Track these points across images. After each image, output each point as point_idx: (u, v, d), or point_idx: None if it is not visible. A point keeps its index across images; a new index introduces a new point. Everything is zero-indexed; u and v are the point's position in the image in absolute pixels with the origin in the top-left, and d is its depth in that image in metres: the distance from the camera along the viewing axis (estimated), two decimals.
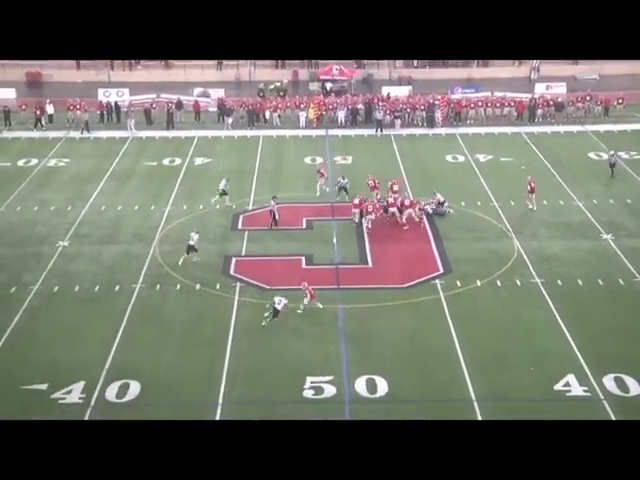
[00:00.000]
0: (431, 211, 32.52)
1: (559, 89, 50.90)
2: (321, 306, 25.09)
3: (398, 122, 44.71)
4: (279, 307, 24.36)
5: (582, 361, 22.51)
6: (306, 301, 25.09)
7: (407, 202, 32.10)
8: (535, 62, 55.74)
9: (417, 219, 31.76)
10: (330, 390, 21.28)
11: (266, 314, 24.47)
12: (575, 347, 23.23)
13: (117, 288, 26.87)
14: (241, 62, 56.58)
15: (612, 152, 38.17)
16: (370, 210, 31.63)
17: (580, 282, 27.18)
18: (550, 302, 25.83)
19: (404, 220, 31.66)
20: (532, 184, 33.60)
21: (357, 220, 31.73)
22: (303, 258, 29.00)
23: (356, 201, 31.88)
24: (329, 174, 37.04)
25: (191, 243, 28.45)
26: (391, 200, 32.03)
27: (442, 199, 32.83)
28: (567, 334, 23.93)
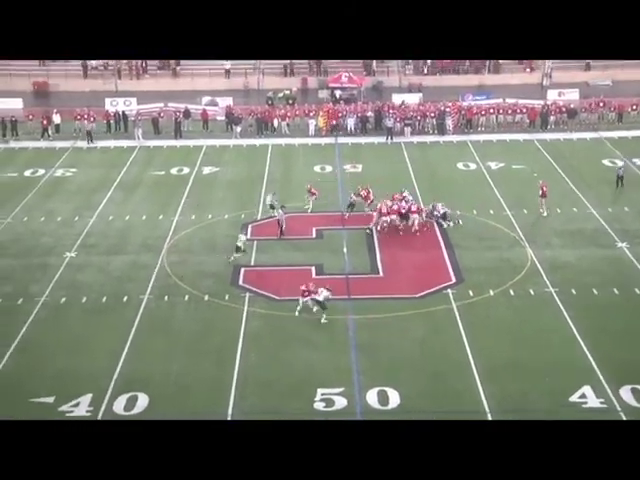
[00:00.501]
0: (440, 214, 32.44)
1: (572, 95, 50.83)
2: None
3: (408, 130, 44.69)
4: (320, 298, 24.94)
5: (598, 372, 22.36)
6: (308, 300, 25.36)
7: (414, 207, 32.12)
8: (547, 68, 55.71)
9: (423, 226, 31.80)
10: (341, 402, 21.19)
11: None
12: (591, 357, 23.09)
13: (125, 299, 26.89)
14: (249, 70, 56.79)
15: (621, 165, 37.88)
16: (385, 212, 31.65)
17: (595, 291, 27.04)
18: (564, 311, 25.70)
19: (416, 226, 31.67)
20: (544, 188, 33.57)
21: (378, 227, 31.79)
22: (313, 268, 28.96)
23: (383, 209, 31.87)
24: (340, 183, 37.12)
25: (238, 244, 29.15)
26: (394, 207, 31.93)
27: (442, 211, 32.61)
28: (582, 344, 23.79)
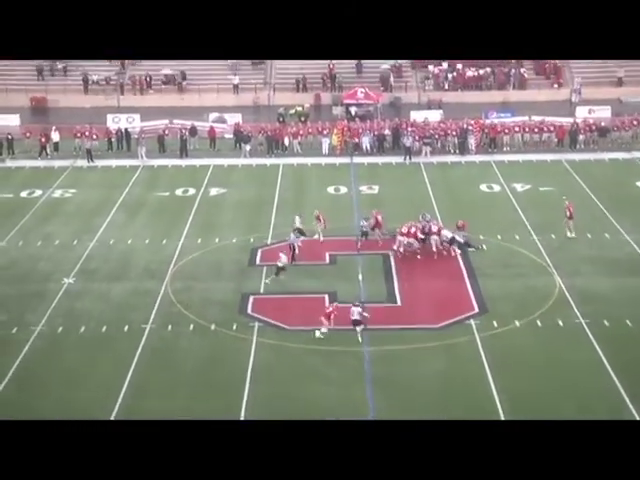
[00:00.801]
0: (462, 240, 32.42)
1: (603, 113, 50.76)
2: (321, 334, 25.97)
3: (427, 149, 44.70)
4: (358, 317, 25.93)
5: (633, 411, 22.13)
6: (324, 329, 25.96)
7: (435, 228, 32.16)
8: (576, 84, 55.79)
9: (441, 247, 31.92)
10: None
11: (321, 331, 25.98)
12: (625, 395, 22.87)
13: (126, 328, 26.94)
14: (259, 85, 57.14)
15: None
16: (405, 232, 31.74)
17: (629, 323, 26.87)
18: (596, 345, 25.55)
19: (439, 246, 31.80)
20: (570, 209, 33.57)
21: (400, 249, 31.90)
22: (326, 296, 28.90)
23: (404, 229, 31.95)
24: (355, 205, 37.24)
25: (279, 265, 29.68)
26: (412, 230, 31.91)
27: (449, 235, 32.51)
28: (616, 381, 23.60)
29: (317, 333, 25.94)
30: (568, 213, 33.61)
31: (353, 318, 26.04)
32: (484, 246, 32.83)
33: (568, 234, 33.50)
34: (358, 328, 25.97)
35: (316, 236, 33.64)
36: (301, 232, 32.76)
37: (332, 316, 26.10)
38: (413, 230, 31.92)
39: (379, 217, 33.15)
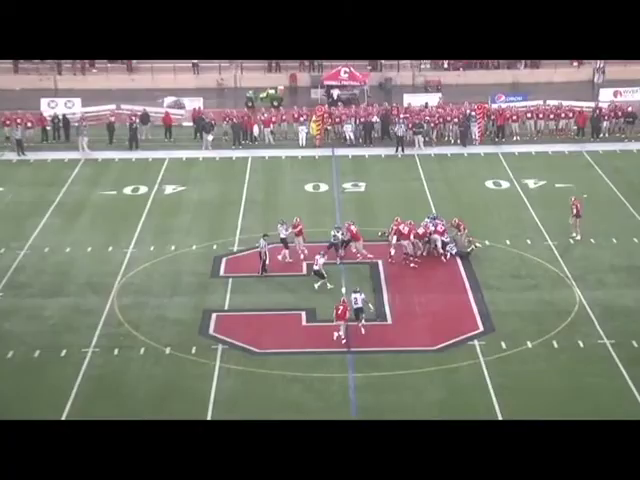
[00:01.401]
0: (455, 250, 32.64)
1: (631, 96, 51.30)
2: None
3: (419, 139, 44.80)
4: (361, 305, 27.40)
5: None
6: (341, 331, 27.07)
7: (441, 228, 32.48)
8: (599, 62, 56.16)
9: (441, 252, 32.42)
10: None
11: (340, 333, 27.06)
12: None
13: (63, 353, 26.89)
14: (224, 64, 57.13)
15: None
16: (389, 232, 32.16)
17: None
18: (623, 369, 25.75)
19: (440, 250, 32.32)
20: (577, 206, 33.83)
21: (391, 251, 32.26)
22: (303, 313, 29.05)
23: (395, 228, 32.22)
24: (338, 206, 37.36)
25: (315, 268, 30.22)
26: (405, 229, 32.07)
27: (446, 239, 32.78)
28: None
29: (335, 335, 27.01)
30: (575, 211, 33.87)
31: (356, 306, 27.32)
32: (477, 245, 32.91)
33: (575, 235, 33.75)
34: (362, 321, 27.46)
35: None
36: (285, 243, 32.40)
37: (347, 314, 27.11)
38: (406, 230, 31.99)
39: (353, 228, 32.57)
